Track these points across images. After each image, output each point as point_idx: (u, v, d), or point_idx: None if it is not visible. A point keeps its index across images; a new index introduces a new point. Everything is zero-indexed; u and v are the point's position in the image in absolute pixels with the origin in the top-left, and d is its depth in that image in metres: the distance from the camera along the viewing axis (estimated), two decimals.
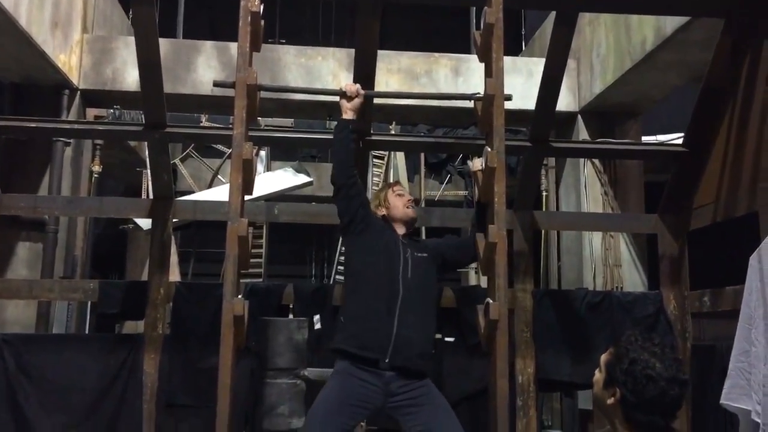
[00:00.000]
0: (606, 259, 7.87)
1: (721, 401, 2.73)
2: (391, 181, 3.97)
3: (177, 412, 4.65)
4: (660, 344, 2.04)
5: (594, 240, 7.97)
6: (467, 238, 3.78)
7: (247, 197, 3.52)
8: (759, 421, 2.46)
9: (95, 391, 4.54)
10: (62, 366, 4.56)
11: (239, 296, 3.26)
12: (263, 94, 3.62)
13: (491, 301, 3.20)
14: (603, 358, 2.09)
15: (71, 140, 7.49)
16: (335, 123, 3.69)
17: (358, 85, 3.61)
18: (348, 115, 3.57)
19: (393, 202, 3.67)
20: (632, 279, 7.93)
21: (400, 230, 3.64)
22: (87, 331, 7.93)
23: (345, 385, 3.29)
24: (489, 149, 3.26)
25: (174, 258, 8.16)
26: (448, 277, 10.41)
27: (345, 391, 3.27)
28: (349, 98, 3.57)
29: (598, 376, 2.08)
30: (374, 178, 10.01)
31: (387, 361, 3.26)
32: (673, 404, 1.99)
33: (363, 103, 3.66)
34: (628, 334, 2.08)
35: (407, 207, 3.66)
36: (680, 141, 5.01)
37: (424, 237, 9.93)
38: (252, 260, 8.55)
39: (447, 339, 5.09)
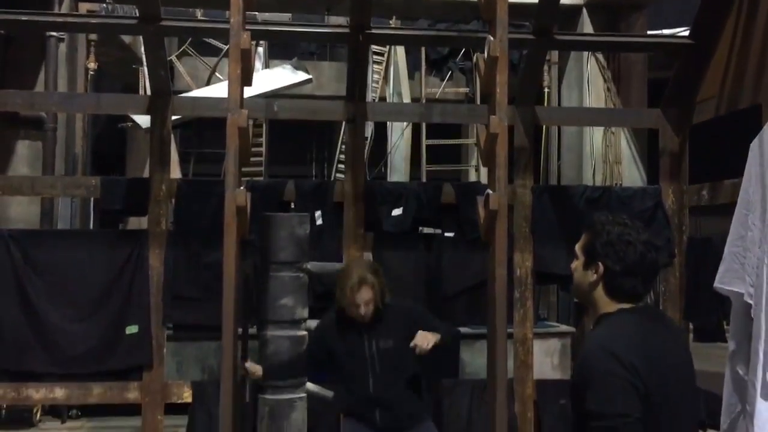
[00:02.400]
0: (606, 156, 7.86)
1: (714, 285, 2.80)
2: (354, 282, 3.75)
3: (183, 304, 4.76)
4: (626, 218, 2.16)
5: (595, 137, 7.94)
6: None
7: (245, 94, 3.49)
8: (751, 302, 2.54)
9: (102, 284, 4.65)
10: (68, 261, 4.65)
11: (241, 188, 3.29)
12: None
13: (491, 192, 3.23)
14: (579, 245, 2.20)
15: (65, 36, 7.32)
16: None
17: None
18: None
19: (349, 310, 3.64)
20: (632, 176, 7.96)
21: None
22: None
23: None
24: (491, 38, 3.20)
25: (174, 157, 8.14)
26: (448, 176, 10.44)
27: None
28: None
29: (577, 263, 2.19)
30: (374, 75, 9.85)
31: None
32: (652, 267, 2.12)
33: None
34: (597, 215, 2.20)
35: (361, 317, 3.62)
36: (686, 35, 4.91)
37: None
38: (252, 159, 8.54)
39: (446, 234, 5.17)
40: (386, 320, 3.63)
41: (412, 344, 3.44)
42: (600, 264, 2.09)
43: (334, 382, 3.88)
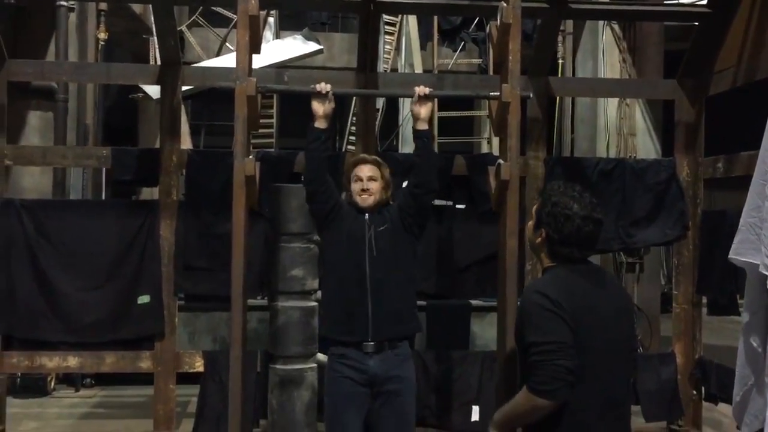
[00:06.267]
0: (620, 129, 7.77)
1: (729, 256, 2.76)
2: (360, 156, 3.81)
3: (194, 275, 4.78)
4: (579, 191, 2.41)
5: (609, 109, 7.84)
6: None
7: (255, 65, 3.45)
8: (766, 273, 2.50)
9: (114, 254, 4.66)
10: (81, 230, 4.66)
11: (250, 157, 3.27)
12: None
13: (502, 161, 3.20)
14: (534, 207, 2.49)
15: (75, 5, 7.28)
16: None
17: (329, 85, 3.59)
18: (320, 123, 3.56)
19: (352, 187, 3.60)
20: (646, 148, 7.87)
21: (366, 209, 3.59)
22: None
23: (339, 394, 3.44)
24: (504, 4, 3.14)
25: (185, 127, 8.13)
26: (460, 148, 10.39)
27: (342, 400, 3.44)
28: (320, 99, 3.54)
29: (530, 223, 2.49)
30: (386, 46, 9.76)
31: (370, 340, 3.39)
32: (588, 238, 2.38)
33: (334, 108, 3.63)
34: (552, 183, 2.49)
35: (360, 195, 3.55)
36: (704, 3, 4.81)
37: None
38: (263, 130, 8.51)
39: (458, 206, 5.13)
40: (386, 211, 3.60)
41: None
42: (543, 230, 2.40)
43: (327, 288, 3.65)
